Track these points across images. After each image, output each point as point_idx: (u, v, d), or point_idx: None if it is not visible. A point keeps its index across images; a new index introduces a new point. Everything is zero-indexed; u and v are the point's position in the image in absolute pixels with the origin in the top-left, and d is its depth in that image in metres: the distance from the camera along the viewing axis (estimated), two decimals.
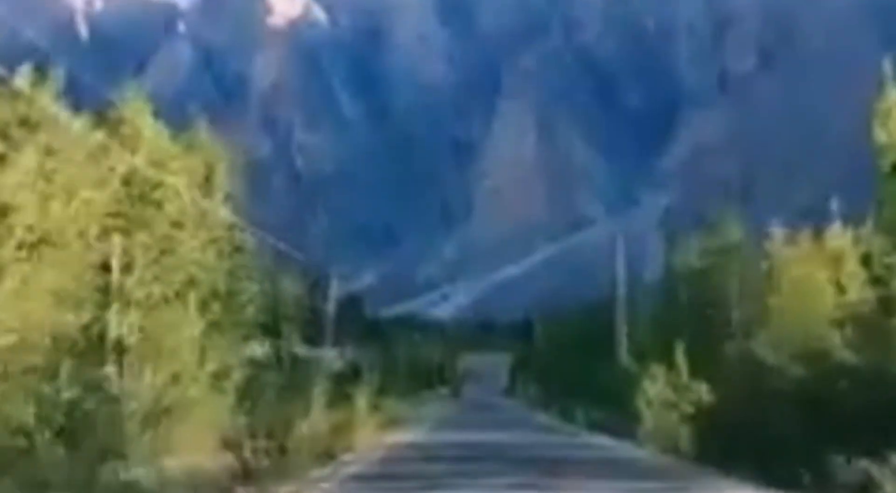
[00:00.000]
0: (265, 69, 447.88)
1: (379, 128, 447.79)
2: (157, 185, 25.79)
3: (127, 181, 25.03)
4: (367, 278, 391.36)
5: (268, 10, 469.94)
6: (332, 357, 76.67)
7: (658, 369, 39.01)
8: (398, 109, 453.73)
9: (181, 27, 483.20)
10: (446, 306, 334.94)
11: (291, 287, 48.13)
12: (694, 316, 39.94)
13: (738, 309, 37.22)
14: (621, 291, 61.55)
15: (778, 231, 31.99)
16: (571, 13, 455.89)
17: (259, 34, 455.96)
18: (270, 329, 38.53)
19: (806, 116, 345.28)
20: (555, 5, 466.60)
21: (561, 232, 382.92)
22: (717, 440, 30.30)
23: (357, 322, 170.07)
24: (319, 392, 39.63)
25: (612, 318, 60.59)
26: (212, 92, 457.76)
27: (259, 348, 35.90)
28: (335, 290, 62.57)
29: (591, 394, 61.36)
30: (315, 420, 35.89)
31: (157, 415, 23.70)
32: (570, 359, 75.50)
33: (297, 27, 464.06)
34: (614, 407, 50.28)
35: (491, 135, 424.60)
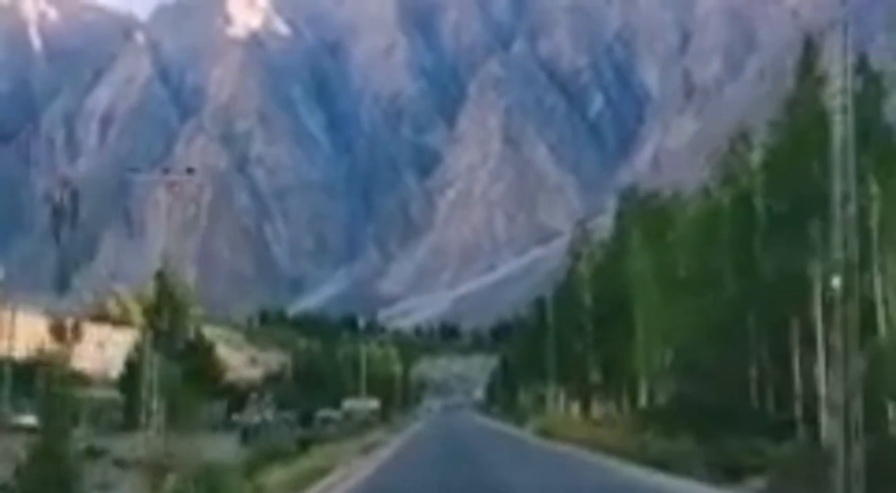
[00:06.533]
0: (224, 80, 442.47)
1: (340, 140, 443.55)
2: None
3: None
4: (328, 291, 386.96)
5: (228, 21, 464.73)
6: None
7: None
8: (360, 121, 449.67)
9: (139, 38, 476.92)
10: (411, 318, 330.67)
11: None
12: None
13: None
14: None
15: None
16: (535, 22, 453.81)
17: (219, 45, 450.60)
18: None
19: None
20: (519, 15, 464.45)
21: (526, 242, 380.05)
22: None
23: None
24: None
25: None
26: (170, 103, 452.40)
27: None
28: None
29: None
30: None
31: None
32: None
33: (259, 38, 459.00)
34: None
35: (454, 145, 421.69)
